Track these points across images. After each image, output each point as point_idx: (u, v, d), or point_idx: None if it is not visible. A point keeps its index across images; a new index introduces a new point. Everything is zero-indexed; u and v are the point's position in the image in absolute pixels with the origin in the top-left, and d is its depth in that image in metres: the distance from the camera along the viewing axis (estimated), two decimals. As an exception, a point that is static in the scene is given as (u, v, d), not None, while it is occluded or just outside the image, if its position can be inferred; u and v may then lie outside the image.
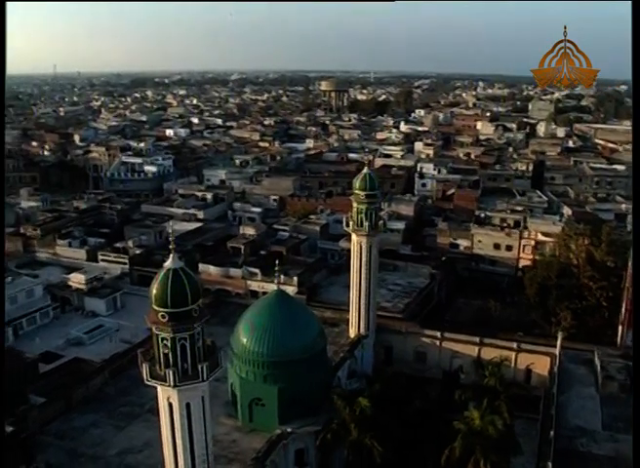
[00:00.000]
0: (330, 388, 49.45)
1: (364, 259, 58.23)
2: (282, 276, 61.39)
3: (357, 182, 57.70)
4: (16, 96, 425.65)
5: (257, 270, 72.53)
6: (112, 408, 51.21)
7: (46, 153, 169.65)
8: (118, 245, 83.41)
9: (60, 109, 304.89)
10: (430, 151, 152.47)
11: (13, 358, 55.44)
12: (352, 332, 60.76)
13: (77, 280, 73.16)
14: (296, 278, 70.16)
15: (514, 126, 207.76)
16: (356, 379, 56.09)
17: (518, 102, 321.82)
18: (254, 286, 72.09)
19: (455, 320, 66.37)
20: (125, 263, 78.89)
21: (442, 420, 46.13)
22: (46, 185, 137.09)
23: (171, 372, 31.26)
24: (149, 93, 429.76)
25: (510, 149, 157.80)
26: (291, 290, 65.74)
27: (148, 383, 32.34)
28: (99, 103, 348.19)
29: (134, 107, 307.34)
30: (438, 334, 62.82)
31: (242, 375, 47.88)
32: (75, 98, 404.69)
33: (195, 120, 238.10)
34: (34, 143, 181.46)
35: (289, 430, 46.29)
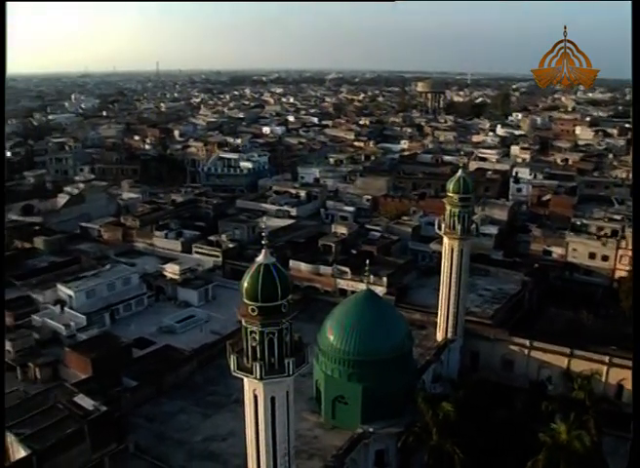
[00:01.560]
0: (414, 390, 49.16)
1: (455, 263, 57.64)
2: (372, 276, 61.42)
3: (451, 185, 57.13)
4: (120, 91, 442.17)
5: (347, 269, 72.74)
6: (200, 396, 52.67)
7: (147, 147, 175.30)
8: (212, 238, 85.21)
9: (162, 105, 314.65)
10: (527, 155, 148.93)
11: (109, 342, 58.00)
12: (439, 336, 60.23)
13: (172, 270, 75.30)
14: (385, 278, 69.99)
15: (615, 131, 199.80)
16: (441, 383, 55.58)
17: (620, 107, 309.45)
18: (343, 284, 72.37)
19: (544, 329, 64.54)
20: (218, 256, 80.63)
21: (527, 431, 45.12)
22: (146, 178, 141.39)
23: (258, 365, 31.73)
24: (247, 90, 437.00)
25: (610, 156, 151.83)
26: (380, 290, 65.66)
27: (235, 375, 32.95)
28: (198, 100, 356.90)
29: (232, 104, 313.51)
30: (527, 343, 61.46)
31: (327, 373, 48.23)
32: (176, 95, 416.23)
33: (291, 118, 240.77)
34: (136, 137, 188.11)
35: (371, 430, 46.35)
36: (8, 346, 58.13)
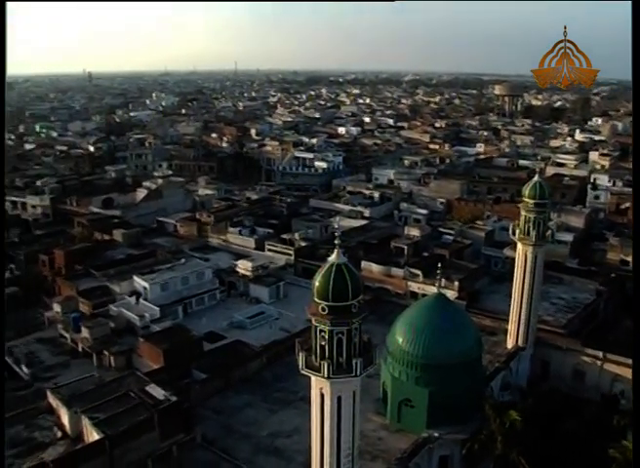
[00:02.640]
0: (481, 397, 48.55)
1: (528, 270, 56.64)
2: (443, 279, 60.84)
3: (527, 190, 56.18)
4: (199, 90, 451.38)
5: (418, 272, 72.31)
6: (267, 391, 53.28)
7: (224, 145, 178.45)
8: (285, 236, 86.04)
9: (239, 104, 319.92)
10: (606, 162, 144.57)
11: (181, 334, 59.33)
12: (510, 343, 59.28)
13: (244, 267, 76.38)
14: (457, 283, 69.29)
15: None
16: (509, 391, 54.69)
17: None
18: (414, 287, 71.97)
19: (619, 341, 62.56)
20: (290, 254, 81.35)
21: (596, 445, 43.97)
22: (222, 175, 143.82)
23: (326, 364, 31.86)
24: (324, 91, 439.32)
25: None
26: (451, 294, 65.06)
27: (303, 372, 33.13)
28: (275, 99, 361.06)
29: (308, 104, 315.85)
30: (600, 355, 59.79)
31: (394, 375, 48.13)
32: (253, 94, 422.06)
33: (367, 119, 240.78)
34: (214, 135, 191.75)
35: (436, 434, 46.00)
36: (86, 334, 60.27)
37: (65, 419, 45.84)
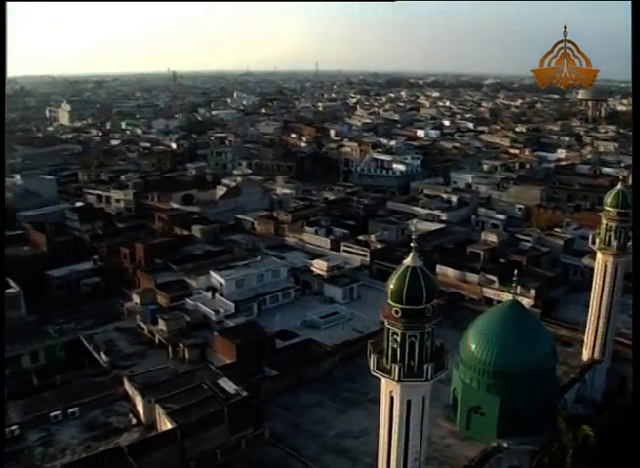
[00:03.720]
0: (554, 409, 47.48)
1: (607, 280, 55.04)
2: (519, 287, 59.69)
3: (609, 198, 54.58)
4: (280, 90, 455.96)
5: (494, 278, 71.23)
6: (337, 391, 53.49)
7: (303, 145, 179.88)
8: (361, 237, 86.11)
9: (319, 104, 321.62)
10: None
11: (254, 330, 60.21)
12: (586, 355, 57.73)
13: (319, 266, 76.84)
14: (533, 290, 67.90)
15: None
16: (583, 405, 53.27)
17: None
18: (489, 293, 70.94)
19: None
20: (365, 256, 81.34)
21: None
22: (300, 174, 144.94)
23: (397, 367, 31.81)
24: (403, 93, 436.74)
25: None
26: (526, 302, 63.76)
27: (374, 374, 33.17)
28: (355, 101, 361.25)
29: (387, 106, 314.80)
30: (681, 373, 57.48)
31: (466, 381, 47.58)
32: (333, 95, 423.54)
33: (446, 122, 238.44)
34: (293, 135, 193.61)
35: (505, 444, 45.23)
36: (162, 325, 61.88)
37: (140, 407, 47.29)
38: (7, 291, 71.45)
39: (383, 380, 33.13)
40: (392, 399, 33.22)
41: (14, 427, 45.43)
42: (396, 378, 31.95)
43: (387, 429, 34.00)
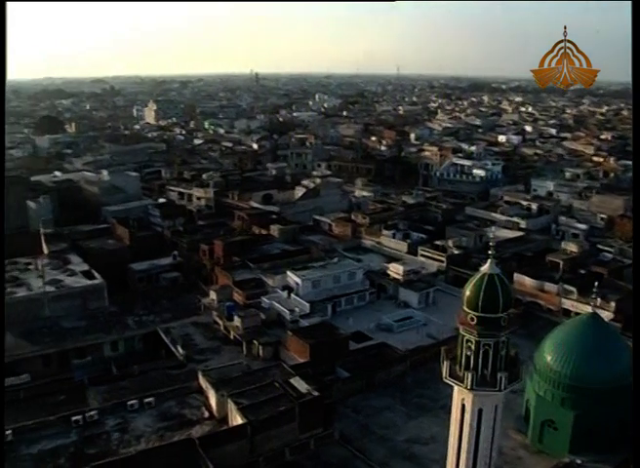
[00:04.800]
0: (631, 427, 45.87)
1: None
2: (599, 299, 58.20)
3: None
4: (361, 93, 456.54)
5: (573, 289, 69.46)
6: (408, 396, 53.38)
7: (382, 148, 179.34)
8: (438, 243, 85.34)
9: (400, 108, 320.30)
10: None
11: (328, 331, 60.57)
12: (668, 373, 55.58)
13: (395, 270, 76.63)
14: (614, 303, 65.84)
15: None
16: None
17: None
18: (568, 304, 69.24)
19: None
20: (442, 261, 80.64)
21: None
22: (379, 178, 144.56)
23: (470, 375, 31.48)
24: (485, 98, 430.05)
25: None
26: (606, 315, 61.90)
27: (446, 381, 32.88)
28: (436, 105, 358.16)
29: (469, 111, 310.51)
30: None
31: (539, 393, 46.66)
32: (414, 99, 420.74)
33: (528, 128, 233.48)
34: (373, 138, 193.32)
35: (578, 461, 44.04)
36: (238, 322, 62.98)
37: (213, 401, 48.40)
38: (91, 282, 74.34)
39: (455, 388, 32.81)
40: (464, 407, 32.86)
41: (93, 412, 47.33)
42: (469, 386, 31.59)
43: (457, 437, 33.65)
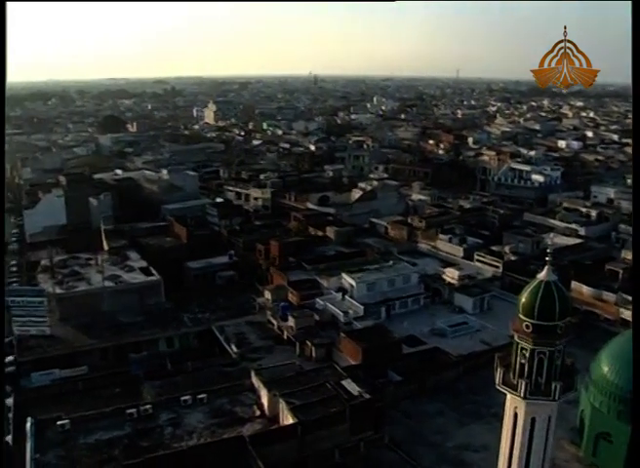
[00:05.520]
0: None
1: None
2: (659, 310, 56.74)
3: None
4: (420, 96, 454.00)
5: (632, 299, 67.89)
6: (460, 402, 52.95)
7: (440, 151, 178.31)
8: (494, 248, 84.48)
9: (458, 112, 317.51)
10: None
11: (382, 334, 60.51)
12: None
13: (451, 275, 76.12)
14: (675, 315, 64.11)
15: None
16: None
17: None
18: (626, 314, 67.58)
19: None
20: (498, 267, 79.72)
21: None
22: (436, 181, 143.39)
23: (523, 383, 31.06)
24: (545, 102, 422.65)
25: None
26: (667, 327, 60.35)
27: (499, 388, 32.54)
28: (495, 109, 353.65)
29: (528, 115, 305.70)
30: None
31: (595, 405, 45.66)
32: (473, 102, 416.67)
33: (589, 133, 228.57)
34: (431, 141, 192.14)
35: (635, 476, 42.97)
36: (291, 323, 63.42)
37: (265, 400, 48.79)
38: (149, 278, 75.87)
39: (509, 396, 32.41)
40: (516, 415, 32.43)
41: (147, 406, 48.20)
42: (522, 395, 31.19)
43: (509, 446, 33.21)
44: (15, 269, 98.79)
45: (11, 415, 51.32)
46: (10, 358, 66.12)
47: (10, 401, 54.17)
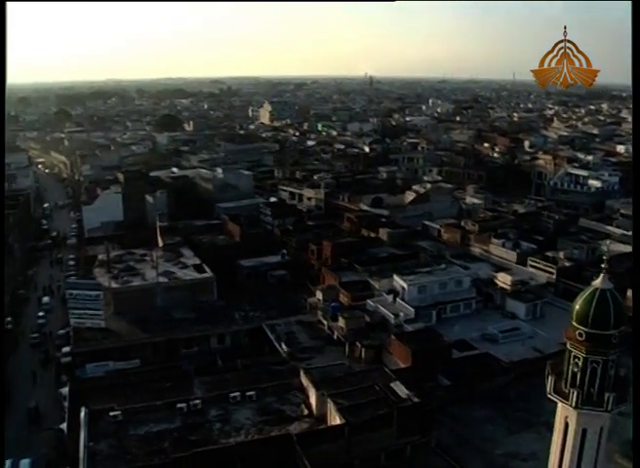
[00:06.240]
0: None
1: None
2: None
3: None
4: (475, 99, 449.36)
5: (691, 310, 65.99)
6: (509, 410, 52.25)
7: (495, 155, 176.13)
8: (549, 254, 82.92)
9: (514, 114, 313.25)
10: None
11: (432, 338, 60.18)
12: None
13: (503, 280, 75.10)
14: None
15: None
16: None
17: None
18: (684, 326, 65.85)
19: None
20: (552, 273, 78.26)
21: None
22: (490, 185, 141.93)
23: (575, 393, 30.59)
24: (604, 106, 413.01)
25: None
26: None
27: (550, 397, 32.10)
28: (552, 112, 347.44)
29: (586, 119, 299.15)
30: None
31: (650, 417, 44.59)
32: (530, 105, 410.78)
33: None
34: (486, 144, 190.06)
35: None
36: (342, 323, 63.60)
37: (313, 399, 49.06)
38: (202, 275, 76.99)
39: (559, 405, 31.94)
40: (567, 425, 31.91)
41: (197, 401, 48.98)
42: (573, 404, 30.71)
43: (558, 457, 32.67)
44: (73, 263, 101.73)
45: (66, 404, 52.80)
46: (66, 349, 68.19)
47: (65, 390, 55.81)
